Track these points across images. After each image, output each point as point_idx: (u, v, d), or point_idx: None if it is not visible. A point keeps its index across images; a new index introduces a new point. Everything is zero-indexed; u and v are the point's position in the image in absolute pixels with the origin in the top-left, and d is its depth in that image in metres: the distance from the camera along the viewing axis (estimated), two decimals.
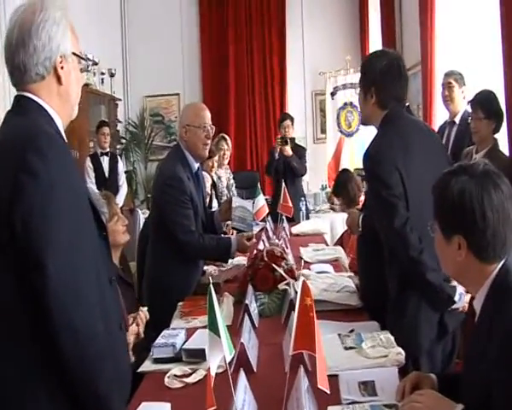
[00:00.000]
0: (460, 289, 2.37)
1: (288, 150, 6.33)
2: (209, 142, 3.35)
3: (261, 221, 4.53)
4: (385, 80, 2.54)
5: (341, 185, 4.78)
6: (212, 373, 1.40)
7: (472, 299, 1.70)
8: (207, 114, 3.34)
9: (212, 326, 1.36)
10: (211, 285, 1.36)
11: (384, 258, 2.49)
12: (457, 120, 4.62)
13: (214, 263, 3.75)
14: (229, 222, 3.85)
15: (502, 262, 1.60)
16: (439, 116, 5.53)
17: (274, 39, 9.28)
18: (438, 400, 1.64)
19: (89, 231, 1.59)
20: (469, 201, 1.56)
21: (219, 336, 1.35)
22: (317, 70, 8.92)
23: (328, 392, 1.44)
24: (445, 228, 1.64)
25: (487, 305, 1.60)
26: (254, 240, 3.37)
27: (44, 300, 1.41)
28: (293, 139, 6.50)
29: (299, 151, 6.54)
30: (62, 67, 1.63)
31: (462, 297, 2.39)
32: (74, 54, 1.67)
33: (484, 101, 3.89)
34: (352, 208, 3.02)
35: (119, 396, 1.57)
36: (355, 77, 8.41)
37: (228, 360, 1.36)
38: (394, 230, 2.34)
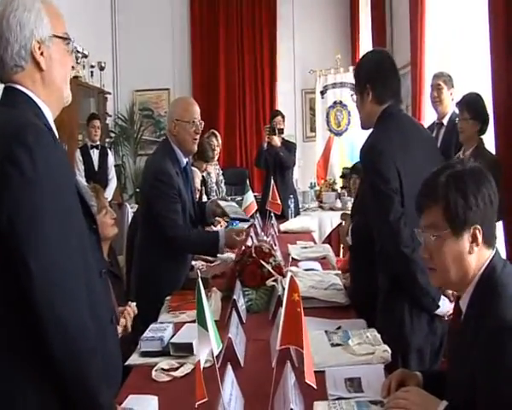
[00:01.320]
0: (445, 299, 2.41)
1: (276, 140, 6.33)
2: (198, 137, 3.34)
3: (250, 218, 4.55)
4: (379, 75, 2.57)
5: None
6: (202, 364, 1.41)
7: (458, 298, 1.71)
8: (197, 109, 3.34)
9: (201, 320, 1.37)
10: (199, 279, 1.37)
11: (375, 256, 2.51)
12: (445, 121, 4.66)
13: (202, 258, 3.77)
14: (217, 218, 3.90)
15: (489, 260, 1.62)
16: (428, 117, 5.56)
17: (265, 37, 9.30)
18: (422, 396, 1.67)
19: (77, 225, 1.58)
20: (485, 187, 1.59)
21: (207, 330, 1.36)
22: (307, 68, 8.95)
23: (315, 387, 1.46)
24: (459, 223, 1.61)
25: (472, 304, 1.61)
26: (243, 236, 3.37)
27: (31, 296, 1.40)
28: (281, 130, 6.49)
29: (289, 145, 6.56)
30: (42, 53, 1.59)
31: (445, 303, 2.41)
32: (56, 36, 1.62)
33: (470, 102, 3.96)
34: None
35: (108, 390, 1.57)
36: (345, 76, 8.45)
37: (215, 353, 1.37)
38: (389, 223, 2.35)
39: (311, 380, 1.44)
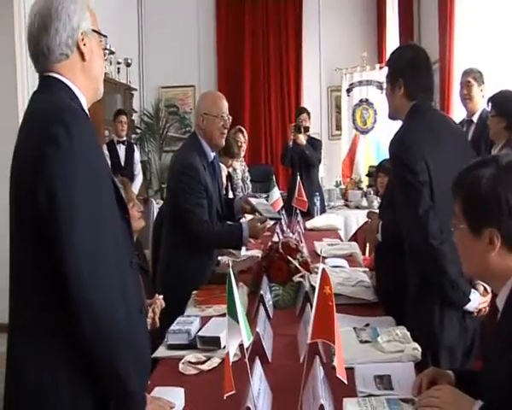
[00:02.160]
0: (475, 292, 2.37)
1: (302, 139, 6.32)
2: (226, 131, 3.34)
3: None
4: (413, 71, 2.53)
5: None
6: (231, 358, 1.40)
7: (494, 296, 1.67)
8: (225, 104, 3.34)
9: (231, 312, 1.36)
10: (230, 269, 1.35)
11: (403, 254, 2.47)
12: (475, 118, 4.61)
13: (228, 253, 3.75)
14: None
15: None
16: (457, 115, 5.50)
17: (290, 34, 9.26)
18: (456, 395, 1.63)
19: (111, 210, 1.59)
20: (501, 191, 1.52)
21: (238, 322, 1.34)
22: (333, 66, 8.89)
23: (346, 382, 1.43)
24: (475, 223, 1.58)
25: (511, 302, 1.57)
26: (267, 223, 3.35)
27: (64, 275, 1.41)
28: (307, 128, 6.47)
29: (314, 143, 6.54)
30: (85, 44, 1.65)
31: (475, 297, 2.37)
32: (94, 31, 1.69)
33: (496, 98, 3.97)
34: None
35: (138, 379, 1.56)
36: (371, 74, 8.40)
37: (246, 345, 1.35)
38: (417, 216, 2.32)
39: (341, 375, 1.41)
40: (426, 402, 1.64)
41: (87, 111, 1.67)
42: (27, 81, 5.52)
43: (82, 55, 1.65)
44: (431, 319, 2.37)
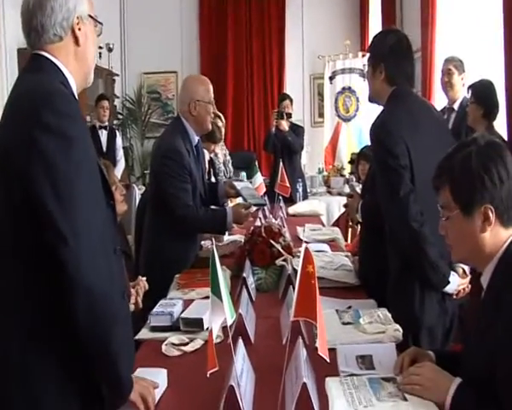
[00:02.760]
0: (454, 274, 2.40)
1: (284, 125, 6.36)
2: (212, 116, 3.37)
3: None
4: (395, 56, 2.55)
5: None
6: (214, 336, 1.40)
7: (479, 275, 1.69)
8: (212, 88, 3.38)
9: (215, 290, 1.36)
10: (214, 247, 1.35)
11: (384, 236, 2.50)
12: (456, 106, 4.66)
13: (211, 237, 3.75)
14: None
15: (510, 238, 1.59)
16: (438, 103, 5.53)
17: (273, 21, 9.25)
18: (436, 372, 1.65)
19: (100, 197, 1.58)
20: (492, 163, 1.57)
21: (221, 300, 1.35)
22: (315, 54, 8.91)
23: (328, 360, 1.45)
24: (467, 204, 1.60)
25: (495, 279, 1.59)
26: (251, 210, 3.36)
27: (63, 261, 1.40)
28: (289, 115, 6.49)
29: (297, 129, 6.56)
30: (79, 29, 1.63)
31: (455, 280, 2.41)
32: (91, 16, 1.68)
33: (476, 87, 4.09)
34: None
35: (127, 361, 1.57)
36: (354, 61, 8.41)
37: (229, 323, 1.36)
38: (398, 199, 2.34)
39: (324, 353, 1.42)
40: (407, 380, 1.66)
41: (76, 96, 1.64)
42: (6, 60, 5.44)
43: (76, 39, 1.62)
44: (411, 301, 2.40)
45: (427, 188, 1.87)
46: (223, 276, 1.40)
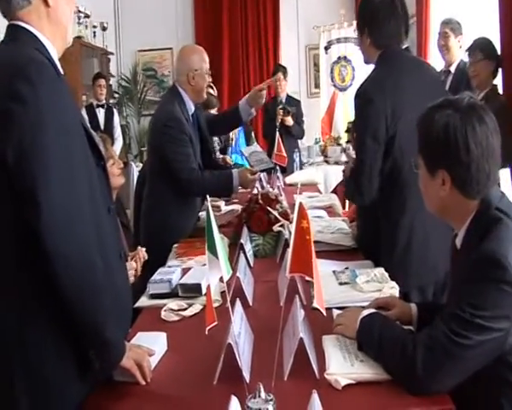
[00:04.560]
0: None
1: (290, 120, 6.49)
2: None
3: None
4: (376, 20, 2.53)
5: None
6: (212, 292, 1.42)
7: (455, 237, 1.71)
8: (208, 58, 3.39)
9: (211, 247, 1.37)
10: (208, 204, 1.36)
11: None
12: (453, 69, 4.61)
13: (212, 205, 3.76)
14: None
15: (476, 207, 1.61)
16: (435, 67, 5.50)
17: None
18: (356, 312, 1.76)
19: (83, 160, 1.57)
20: (453, 134, 1.55)
21: (217, 257, 1.36)
22: (310, 24, 8.81)
23: (325, 313, 1.46)
24: (429, 163, 1.64)
25: (467, 239, 1.62)
26: (257, 175, 3.35)
27: (38, 231, 1.40)
28: (292, 113, 6.60)
29: (298, 113, 6.68)
30: None
31: None
32: None
33: (482, 43, 4.00)
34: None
35: (116, 326, 1.58)
36: (349, 31, 8.33)
37: (226, 279, 1.37)
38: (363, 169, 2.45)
39: (320, 305, 1.44)
40: (334, 322, 1.84)
41: (56, 61, 1.62)
42: None
43: (45, 0, 1.59)
44: (400, 260, 2.44)
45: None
46: (219, 237, 1.40)
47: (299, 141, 6.96)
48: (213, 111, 5.45)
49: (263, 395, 1.33)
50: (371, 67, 2.67)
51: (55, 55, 1.63)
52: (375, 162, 2.41)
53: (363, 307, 1.84)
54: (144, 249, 2.58)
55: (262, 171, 3.43)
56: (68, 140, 1.49)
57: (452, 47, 4.62)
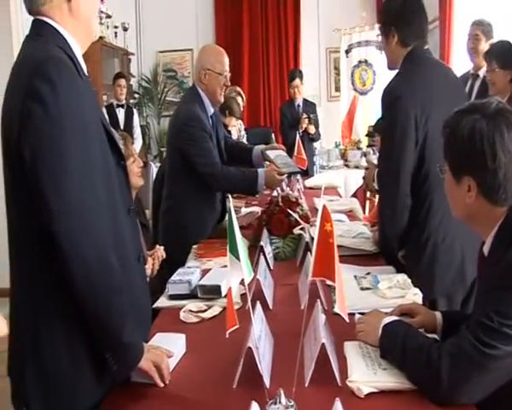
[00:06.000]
0: None
1: (313, 128, 6.52)
2: (225, 88, 3.33)
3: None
4: (404, 16, 2.53)
5: None
6: (234, 294, 1.39)
7: (483, 244, 1.67)
8: (227, 61, 3.34)
9: (232, 249, 1.35)
10: (230, 204, 1.34)
11: None
12: (481, 73, 4.49)
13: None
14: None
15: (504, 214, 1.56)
16: (457, 72, 5.43)
17: None
18: (378, 317, 1.73)
19: (102, 160, 1.55)
20: (479, 140, 1.50)
21: (239, 259, 1.33)
22: (331, 27, 8.77)
23: (347, 319, 1.43)
24: (455, 168, 1.59)
25: (495, 247, 1.57)
26: (284, 176, 3.30)
27: (52, 233, 1.39)
28: (314, 120, 6.63)
29: (315, 118, 6.67)
30: None
31: None
32: None
33: (497, 51, 3.87)
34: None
35: (134, 328, 1.55)
36: (370, 34, 8.30)
37: (247, 281, 1.35)
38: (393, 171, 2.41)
39: (343, 311, 1.41)
40: (356, 328, 1.78)
41: (80, 58, 1.61)
42: (22, 26, 5.44)
43: None
44: (428, 267, 2.39)
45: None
46: (241, 238, 1.38)
47: (317, 144, 6.96)
48: (235, 121, 5.41)
49: (283, 400, 1.31)
50: (393, 72, 2.65)
51: (79, 51, 1.62)
52: (404, 162, 2.36)
53: (386, 313, 1.81)
54: (162, 248, 2.56)
55: (289, 174, 3.36)
56: (86, 140, 1.47)
57: (483, 50, 4.47)
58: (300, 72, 6.97)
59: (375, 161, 3.30)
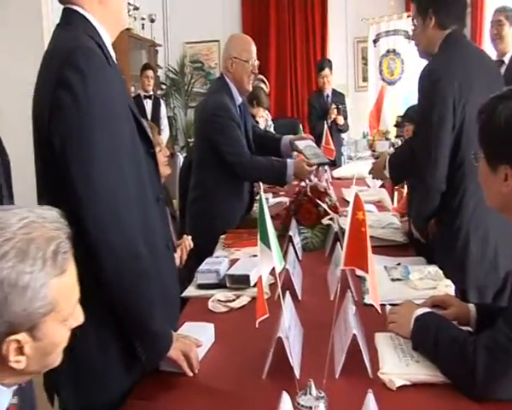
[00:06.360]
0: None
1: (341, 119, 6.52)
2: (253, 77, 3.30)
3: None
4: None
5: None
6: (265, 287, 1.37)
7: None
8: (254, 49, 3.31)
9: (263, 238, 1.33)
10: (261, 191, 1.32)
11: None
12: (506, 59, 4.43)
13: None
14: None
15: None
16: None
17: None
18: (410, 308, 1.69)
19: (132, 148, 1.55)
20: None
21: (270, 248, 1.31)
22: (359, 16, 8.67)
23: (380, 310, 1.40)
24: (490, 157, 1.51)
25: None
26: (314, 167, 3.26)
27: (82, 219, 1.39)
28: (343, 110, 6.59)
29: (344, 109, 6.67)
30: None
31: None
32: None
33: None
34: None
35: (163, 316, 1.55)
36: (398, 23, 8.19)
37: (278, 271, 1.32)
38: (430, 158, 2.34)
39: (375, 302, 1.38)
40: (388, 319, 1.75)
41: (109, 46, 1.61)
42: (52, 15, 5.50)
43: None
44: (460, 257, 2.34)
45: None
46: (272, 227, 1.36)
47: (345, 135, 6.91)
48: (262, 111, 5.36)
49: (314, 392, 1.28)
50: (422, 61, 2.59)
51: (108, 39, 1.62)
52: (441, 146, 2.31)
53: (417, 304, 1.77)
54: (190, 237, 2.56)
55: (319, 164, 3.30)
56: (115, 128, 1.47)
57: (507, 36, 4.43)
58: (330, 61, 6.93)
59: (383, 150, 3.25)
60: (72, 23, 1.56)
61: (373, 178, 3.15)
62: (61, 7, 1.61)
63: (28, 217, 1.07)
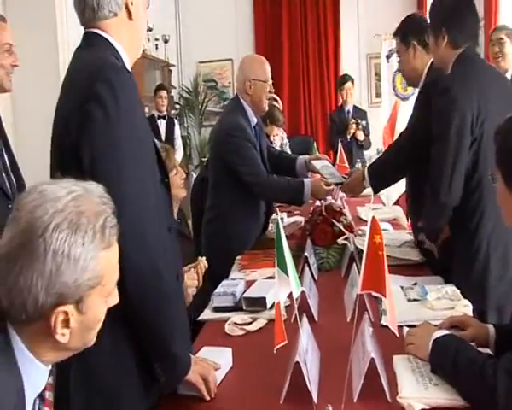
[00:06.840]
0: None
1: (361, 135, 6.60)
2: (269, 96, 3.33)
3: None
4: (455, 16, 2.44)
5: None
6: (282, 309, 1.37)
7: None
8: (269, 68, 3.35)
9: (281, 263, 1.33)
10: (278, 217, 1.32)
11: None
12: (509, 76, 4.40)
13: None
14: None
15: None
16: None
17: (328, 1, 9.07)
18: (428, 330, 1.67)
19: (152, 172, 1.57)
20: None
21: (287, 275, 1.31)
22: (371, 32, 8.68)
23: (397, 334, 1.40)
24: (508, 177, 1.51)
25: None
26: (331, 187, 3.25)
27: None
28: (364, 127, 6.69)
29: (366, 126, 6.76)
30: (132, 3, 1.63)
31: None
32: None
33: None
34: None
35: (180, 340, 1.55)
36: None
37: (295, 296, 1.32)
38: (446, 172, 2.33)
39: (393, 325, 1.37)
40: (406, 341, 1.73)
41: (129, 69, 1.64)
42: (67, 36, 5.56)
43: (129, 14, 1.63)
44: (478, 278, 2.32)
45: None
46: (289, 253, 1.36)
47: (366, 151, 6.93)
48: (276, 129, 5.37)
49: None
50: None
51: (128, 63, 1.65)
52: (458, 162, 2.30)
53: (435, 325, 1.76)
54: (204, 258, 2.56)
55: (336, 184, 3.30)
56: (141, 147, 1.50)
57: (508, 54, 4.41)
58: (352, 78, 6.95)
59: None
60: (94, 45, 1.60)
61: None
62: (77, 33, 1.65)
63: (76, 190, 1.10)
